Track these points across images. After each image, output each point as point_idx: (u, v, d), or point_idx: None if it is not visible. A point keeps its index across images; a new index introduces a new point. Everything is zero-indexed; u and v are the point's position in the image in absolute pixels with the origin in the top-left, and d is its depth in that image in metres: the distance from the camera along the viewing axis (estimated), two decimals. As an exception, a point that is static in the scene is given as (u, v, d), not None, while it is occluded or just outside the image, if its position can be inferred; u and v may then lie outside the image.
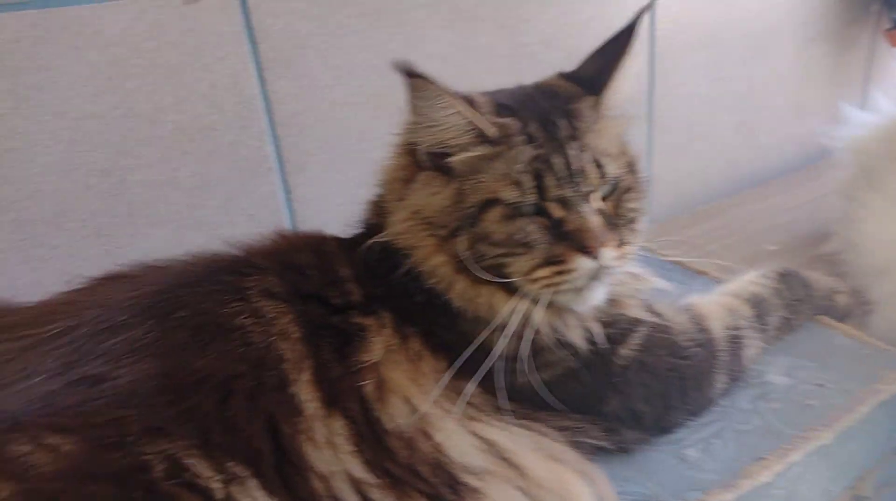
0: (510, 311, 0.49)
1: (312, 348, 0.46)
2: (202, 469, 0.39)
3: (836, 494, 0.59)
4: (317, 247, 0.52)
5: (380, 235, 0.50)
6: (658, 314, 0.57)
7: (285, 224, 0.78)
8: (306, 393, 0.44)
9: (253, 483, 0.40)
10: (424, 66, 0.45)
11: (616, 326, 0.54)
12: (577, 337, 0.51)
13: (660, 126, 1.01)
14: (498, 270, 0.48)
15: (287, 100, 0.73)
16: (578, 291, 0.49)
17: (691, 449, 0.54)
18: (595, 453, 0.52)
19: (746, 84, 1.09)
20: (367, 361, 0.46)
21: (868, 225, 0.73)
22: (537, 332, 0.50)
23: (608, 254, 0.48)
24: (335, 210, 0.69)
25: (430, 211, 0.49)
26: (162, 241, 0.71)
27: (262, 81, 0.72)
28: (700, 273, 0.75)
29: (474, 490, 0.46)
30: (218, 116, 0.71)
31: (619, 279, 0.54)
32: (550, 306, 0.50)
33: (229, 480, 0.40)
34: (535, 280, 0.48)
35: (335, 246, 0.53)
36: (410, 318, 0.49)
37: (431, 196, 0.49)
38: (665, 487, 0.50)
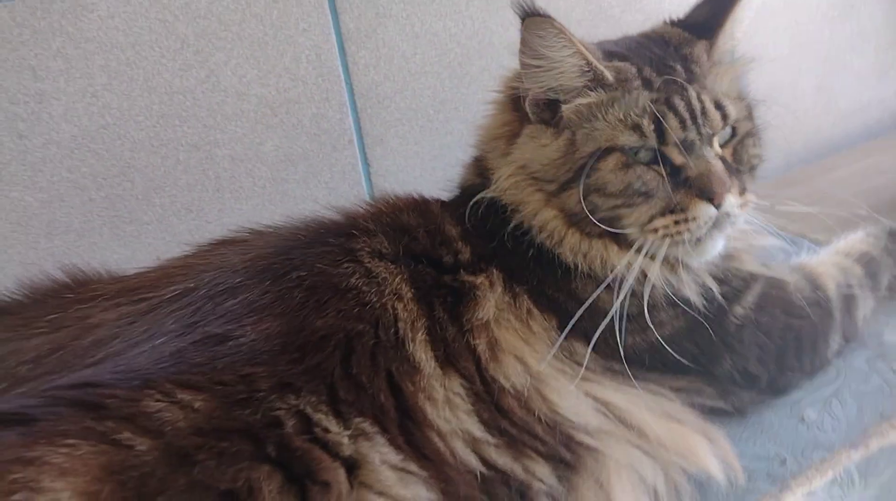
0: (626, 265, 0.47)
1: (425, 307, 0.45)
2: (331, 425, 0.39)
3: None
4: (421, 209, 0.51)
5: (486, 191, 0.49)
6: (772, 272, 0.55)
7: (364, 197, 0.78)
8: (423, 352, 0.43)
9: (380, 440, 0.40)
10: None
11: (731, 282, 0.52)
12: (692, 293, 0.50)
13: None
14: (613, 222, 0.47)
15: (367, 70, 0.73)
16: (699, 242, 0.47)
17: (810, 410, 0.52)
18: (710, 414, 0.50)
19: (827, 46, 1.04)
20: (479, 319, 0.45)
21: None
22: (653, 288, 0.48)
23: (732, 201, 0.46)
24: (413, 183, 0.68)
25: (538, 165, 0.48)
26: (247, 215, 0.72)
27: (343, 52, 0.72)
28: (798, 236, 0.72)
29: (592, 450, 0.45)
30: (301, 89, 0.71)
31: (737, 232, 0.52)
32: (666, 260, 0.49)
33: (356, 435, 0.39)
34: (654, 230, 0.46)
35: (438, 207, 0.52)
36: (519, 276, 0.48)
37: (540, 149, 0.48)
38: (786, 447, 0.48)
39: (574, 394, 0.46)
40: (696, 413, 0.48)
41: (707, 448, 0.46)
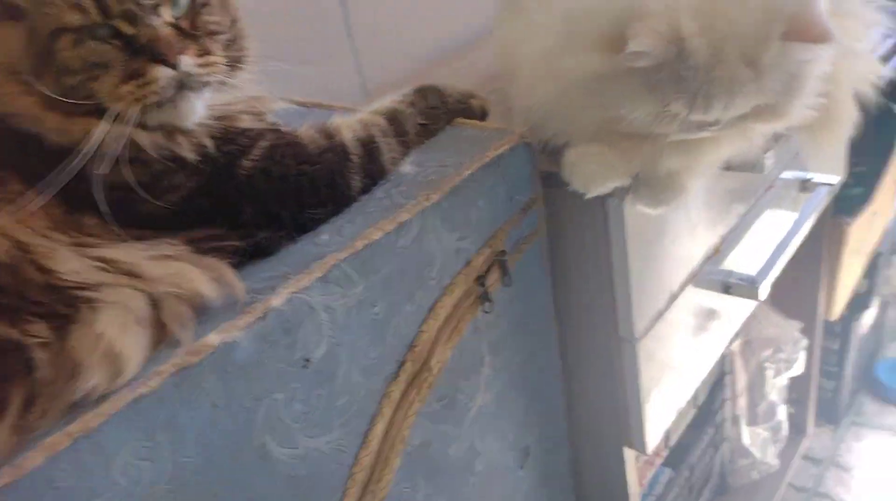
0: (103, 133, 0.52)
1: None
2: None
3: (473, 251, 0.68)
4: None
5: None
6: (281, 129, 0.63)
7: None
8: None
9: None
10: None
11: (235, 141, 0.59)
12: (189, 153, 0.56)
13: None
14: (88, 98, 0.52)
15: None
16: (172, 103, 0.54)
17: (325, 235, 0.61)
18: (237, 256, 0.58)
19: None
20: None
21: (504, 29, 0.84)
22: (145, 155, 0.54)
23: (188, 61, 0.53)
24: None
25: (7, 59, 0.52)
26: None
27: None
28: (346, 110, 0.82)
29: (90, 300, 0.49)
30: None
31: (231, 98, 0.60)
32: (161, 127, 0.55)
33: None
34: (122, 97, 0.52)
35: None
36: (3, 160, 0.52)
37: (4, 44, 0.52)
38: (294, 266, 0.57)
39: (74, 259, 0.51)
40: (202, 250, 0.55)
41: (202, 276, 0.53)
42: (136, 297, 0.51)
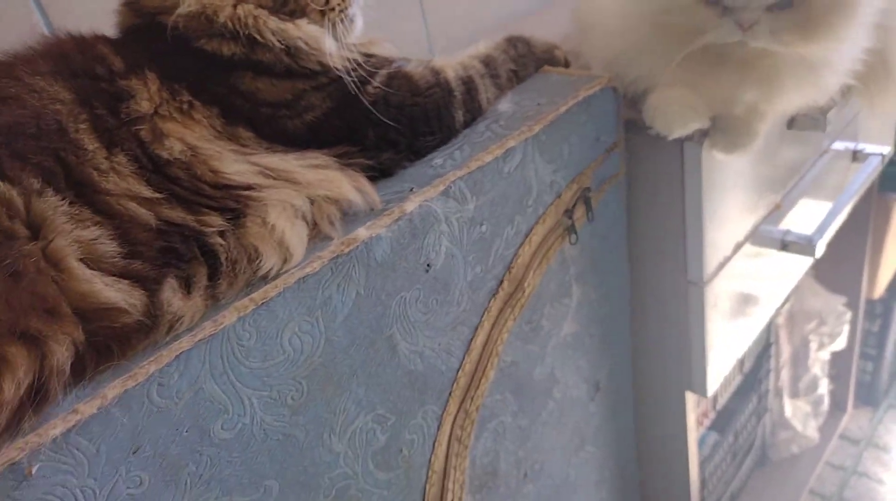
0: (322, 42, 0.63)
1: (85, 106, 0.53)
2: None
3: (563, 185, 0.75)
4: (77, 39, 0.60)
5: (177, 12, 0.59)
6: (394, 62, 0.70)
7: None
8: (85, 136, 0.52)
9: (51, 194, 0.48)
10: None
11: (363, 66, 0.66)
12: (344, 71, 0.64)
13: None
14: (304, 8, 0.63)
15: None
16: (352, 19, 0.66)
17: (438, 159, 0.67)
18: (363, 174, 0.65)
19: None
20: (137, 112, 0.55)
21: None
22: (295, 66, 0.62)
23: None
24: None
25: None
26: None
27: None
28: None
29: (254, 198, 0.56)
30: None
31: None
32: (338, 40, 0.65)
33: (28, 193, 0.47)
34: (333, 8, 0.64)
35: (95, 38, 0.61)
36: (178, 76, 0.59)
37: None
38: (417, 182, 0.64)
39: (237, 162, 0.58)
40: (341, 164, 0.63)
41: (348, 183, 0.60)
42: (297, 196, 0.58)
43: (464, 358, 0.69)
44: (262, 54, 0.61)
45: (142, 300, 0.48)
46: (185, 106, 0.59)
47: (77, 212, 0.49)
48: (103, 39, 0.62)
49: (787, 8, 0.70)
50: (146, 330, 0.48)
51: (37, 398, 0.42)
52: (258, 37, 0.60)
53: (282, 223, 0.55)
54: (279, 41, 0.61)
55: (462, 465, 0.71)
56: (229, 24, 0.60)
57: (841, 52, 0.78)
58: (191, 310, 0.50)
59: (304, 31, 0.62)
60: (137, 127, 0.55)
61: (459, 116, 0.72)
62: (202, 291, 0.51)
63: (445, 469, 0.70)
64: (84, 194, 0.50)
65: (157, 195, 0.53)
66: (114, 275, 0.48)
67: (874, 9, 0.76)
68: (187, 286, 0.51)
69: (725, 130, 0.79)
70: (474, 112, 0.74)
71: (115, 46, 0.60)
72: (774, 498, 1.61)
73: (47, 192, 0.48)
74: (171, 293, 0.50)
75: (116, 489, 0.46)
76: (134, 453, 0.46)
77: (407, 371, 0.63)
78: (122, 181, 0.52)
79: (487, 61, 0.78)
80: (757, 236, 1.00)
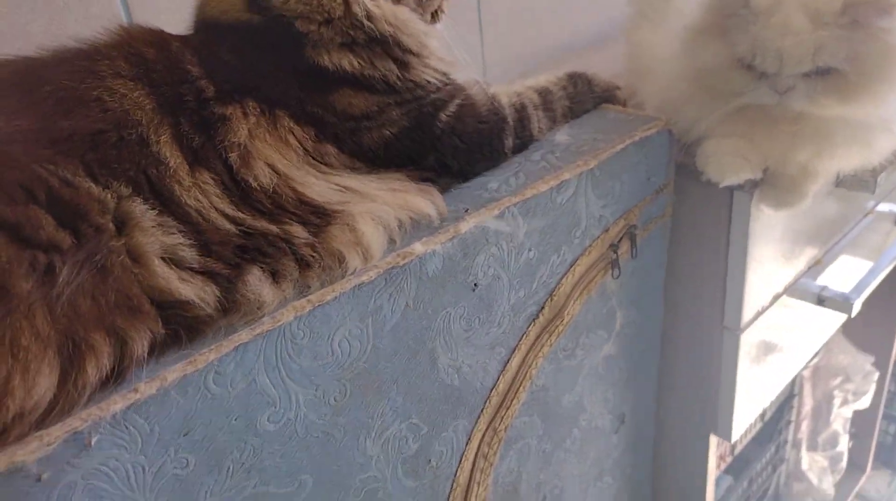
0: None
1: (169, 118, 0.52)
2: (92, 187, 0.47)
3: (611, 220, 0.77)
4: (161, 44, 0.58)
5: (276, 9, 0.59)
6: (464, 87, 0.72)
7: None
8: (167, 150, 0.51)
9: (139, 201, 0.49)
10: None
11: (442, 89, 0.68)
12: (431, 76, 0.66)
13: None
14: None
15: None
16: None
17: (493, 183, 0.69)
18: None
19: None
20: (231, 142, 0.54)
21: (637, 35, 0.92)
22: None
23: None
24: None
25: None
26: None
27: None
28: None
29: (338, 212, 0.58)
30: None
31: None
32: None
33: (118, 197, 0.49)
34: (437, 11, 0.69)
35: (180, 44, 0.59)
36: (281, 102, 0.59)
37: None
38: (469, 202, 0.66)
39: (319, 184, 0.59)
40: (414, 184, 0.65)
41: (423, 200, 0.63)
42: (378, 209, 0.59)
43: (498, 378, 0.71)
44: (380, 65, 0.63)
45: (214, 295, 0.50)
46: (284, 131, 0.59)
47: (161, 218, 0.50)
48: (187, 48, 0.59)
49: (826, 74, 0.71)
50: (217, 319, 0.51)
51: (115, 382, 0.45)
52: (401, 35, 0.63)
53: (366, 229, 0.57)
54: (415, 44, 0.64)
55: (486, 481, 0.73)
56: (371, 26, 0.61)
57: (893, 113, 0.79)
58: (276, 299, 0.52)
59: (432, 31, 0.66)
60: (229, 154, 0.55)
61: (510, 142, 0.74)
62: (292, 284, 0.54)
63: (469, 483, 0.72)
64: (166, 203, 0.51)
65: (240, 215, 0.54)
66: (190, 271, 0.50)
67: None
68: (274, 276, 0.53)
69: (776, 186, 0.80)
70: (525, 139, 0.76)
71: (201, 58, 0.58)
72: (783, 551, 1.60)
73: (136, 198, 0.50)
74: (257, 283, 0.52)
75: (164, 468, 0.48)
76: (185, 435, 0.49)
77: (444, 385, 0.65)
78: (203, 198, 0.53)
79: (544, 94, 0.79)
80: (795, 289, 1.01)
